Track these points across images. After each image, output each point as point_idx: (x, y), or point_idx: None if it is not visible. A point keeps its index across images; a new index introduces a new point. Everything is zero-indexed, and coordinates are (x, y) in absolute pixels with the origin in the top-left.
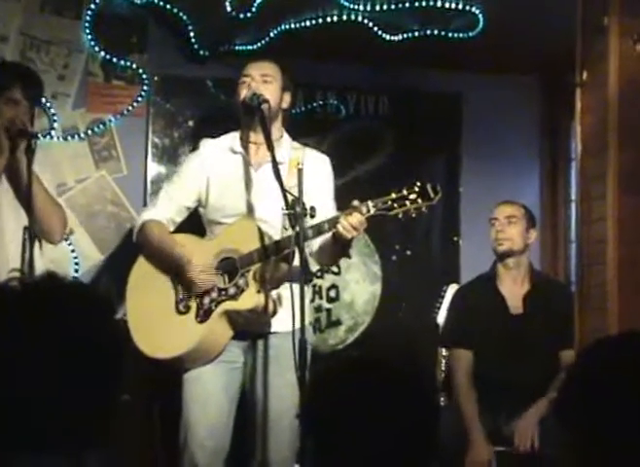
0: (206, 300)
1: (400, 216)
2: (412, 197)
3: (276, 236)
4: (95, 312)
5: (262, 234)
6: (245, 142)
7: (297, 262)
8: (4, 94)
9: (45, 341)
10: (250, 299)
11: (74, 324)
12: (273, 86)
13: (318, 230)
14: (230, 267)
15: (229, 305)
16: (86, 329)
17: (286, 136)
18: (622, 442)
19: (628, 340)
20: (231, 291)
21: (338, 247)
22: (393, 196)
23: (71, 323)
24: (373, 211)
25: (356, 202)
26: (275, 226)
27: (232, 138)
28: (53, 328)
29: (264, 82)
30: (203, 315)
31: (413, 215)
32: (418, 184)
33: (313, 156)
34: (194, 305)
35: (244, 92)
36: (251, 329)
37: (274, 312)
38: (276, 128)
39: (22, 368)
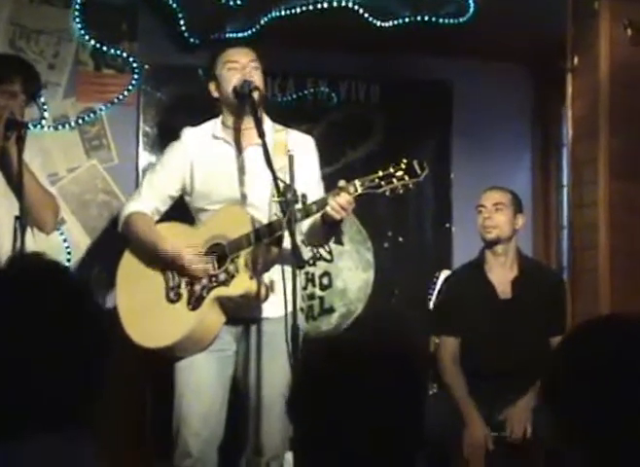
0: (197, 287)
1: (387, 193)
2: (399, 173)
3: (264, 221)
4: (69, 292)
5: (250, 219)
6: (227, 128)
7: (288, 245)
8: (2, 86)
9: (20, 319)
10: (241, 284)
11: (47, 303)
12: (260, 71)
13: (306, 212)
14: (219, 253)
15: (220, 291)
16: (58, 305)
17: (267, 119)
18: (605, 424)
19: (610, 323)
20: (222, 277)
21: (327, 228)
22: (380, 173)
23: (44, 303)
24: (360, 190)
25: (342, 182)
26: (262, 209)
27: (214, 124)
28: (30, 310)
29: (254, 68)
30: (195, 302)
31: (401, 191)
32: (405, 161)
33: (298, 137)
34: (185, 292)
35: (237, 78)
36: (243, 314)
37: (266, 297)
38: (246, 119)
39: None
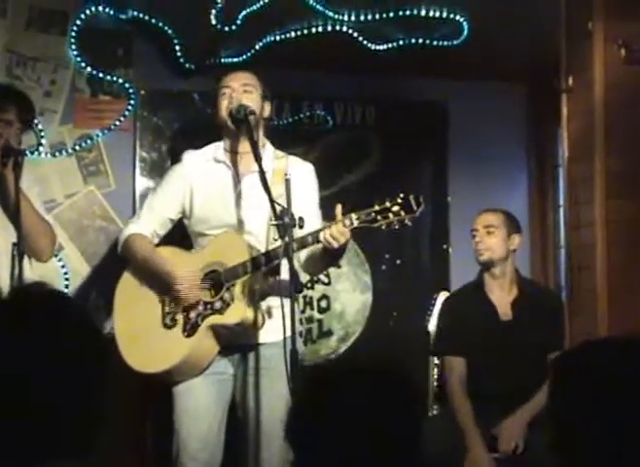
0: (192, 314)
1: (383, 227)
2: (395, 209)
3: (261, 248)
4: (72, 320)
5: (247, 247)
6: (229, 152)
7: (285, 273)
8: None
9: (17, 349)
10: (236, 313)
11: (50, 331)
12: (254, 95)
13: (302, 243)
14: (215, 280)
15: (215, 319)
16: (61, 335)
17: (268, 145)
18: (603, 440)
19: (609, 341)
20: (217, 305)
21: (328, 258)
22: (376, 208)
23: (47, 330)
24: (356, 223)
25: (339, 212)
26: (260, 237)
27: (215, 148)
28: (33, 338)
29: (244, 91)
30: (190, 329)
31: (397, 227)
32: (401, 196)
33: (297, 164)
34: (180, 318)
35: (225, 104)
36: (238, 342)
37: (262, 325)
38: (259, 138)
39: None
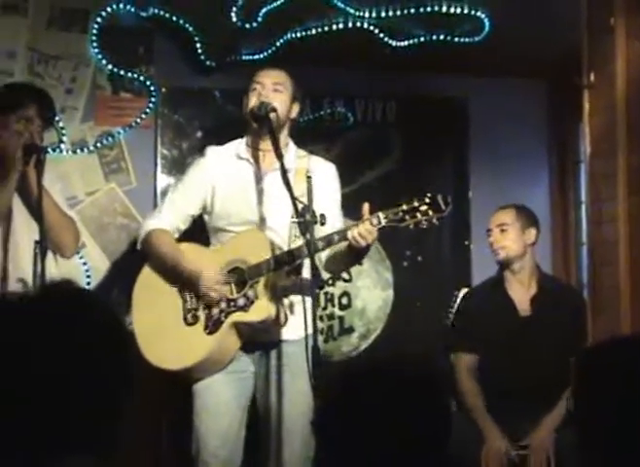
0: (215, 311)
1: (411, 227)
2: (423, 208)
3: (283, 245)
4: (100, 318)
5: (271, 245)
6: (252, 149)
7: (306, 271)
8: (18, 112)
9: (48, 347)
10: (260, 310)
11: (78, 330)
12: (284, 95)
13: (328, 241)
14: (238, 277)
15: (238, 316)
16: (90, 334)
17: (291, 145)
18: (628, 438)
19: (632, 340)
20: (241, 302)
21: (353, 257)
22: (404, 207)
23: (75, 329)
24: (384, 222)
25: (366, 210)
26: (282, 234)
27: (238, 144)
28: (64, 336)
29: (274, 90)
30: (212, 326)
31: (424, 226)
32: (429, 195)
33: (319, 163)
34: (202, 315)
35: (254, 100)
36: (260, 339)
37: (285, 322)
38: (282, 137)
39: (28, 373)
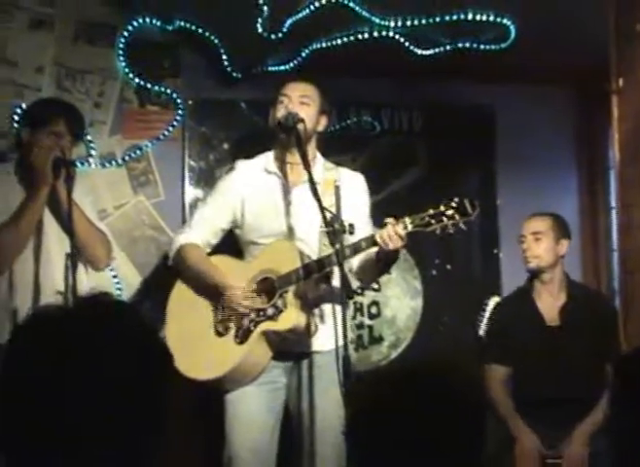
0: (245, 321)
1: (437, 232)
2: (450, 212)
3: (313, 256)
4: (138, 330)
5: (300, 255)
6: (280, 162)
7: (336, 280)
8: (48, 127)
9: (92, 361)
10: (288, 319)
11: (117, 341)
12: (311, 108)
13: (355, 248)
14: (268, 287)
15: (267, 325)
16: (134, 350)
17: (319, 157)
18: None
19: None
20: (270, 311)
21: (381, 264)
22: (430, 211)
23: (114, 341)
24: (410, 227)
25: (391, 219)
26: (312, 245)
27: (267, 158)
28: (102, 348)
29: (301, 103)
30: (242, 336)
31: (451, 231)
32: (456, 199)
33: (348, 175)
34: (232, 325)
35: (281, 112)
36: (290, 349)
37: (314, 332)
38: (310, 149)
39: (67, 386)
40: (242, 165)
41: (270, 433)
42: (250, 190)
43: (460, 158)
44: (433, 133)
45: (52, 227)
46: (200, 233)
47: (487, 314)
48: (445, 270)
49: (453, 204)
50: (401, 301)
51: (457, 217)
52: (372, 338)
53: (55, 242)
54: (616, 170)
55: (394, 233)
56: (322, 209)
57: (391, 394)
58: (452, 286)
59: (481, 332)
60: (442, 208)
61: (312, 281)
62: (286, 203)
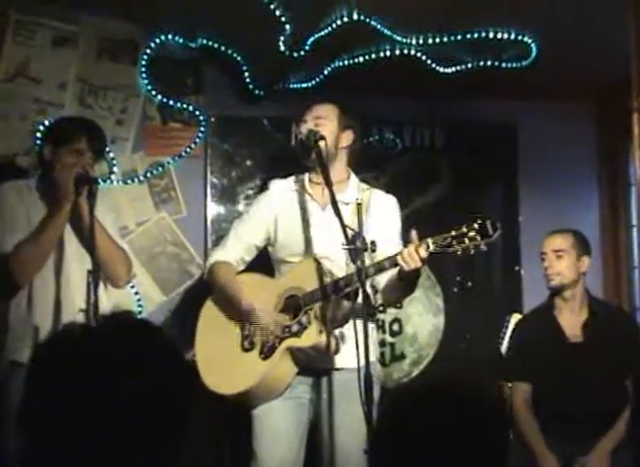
0: (270, 337)
1: (458, 253)
2: (472, 234)
3: (341, 274)
4: (168, 353)
5: (326, 273)
6: (312, 183)
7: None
8: (69, 145)
9: (115, 380)
10: (312, 336)
11: (147, 363)
12: (327, 127)
13: (378, 267)
14: (294, 304)
15: (291, 341)
16: (158, 369)
17: (353, 177)
18: None
19: None
20: (295, 328)
21: (404, 284)
22: (453, 233)
23: (144, 362)
24: (432, 248)
25: (415, 237)
26: (341, 264)
27: (299, 178)
28: (126, 367)
29: (315, 125)
30: (267, 352)
31: (472, 251)
32: (479, 221)
33: (380, 196)
34: (258, 341)
35: (302, 131)
36: (315, 366)
37: (337, 350)
38: (340, 169)
39: (92, 407)
40: (276, 184)
41: (297, 448)
42: (282, 209)
43: (482, 174)
44: (455, 150)
45: (72, 243)
46: (234, 250)
47: (509, 331)
48: (467, 288)
49: (475, 226)
50: (423, 318)
51: (479, 238)
52: (393, 355)
53: (76, 259)
54: (637, 187)
55: (415, 253)
56: (343, 226)
57: (413, 412)
58: (474, 303)
59: (503, 349)
60: (464, 229)
61: (336, 299)
62: (316, 223)
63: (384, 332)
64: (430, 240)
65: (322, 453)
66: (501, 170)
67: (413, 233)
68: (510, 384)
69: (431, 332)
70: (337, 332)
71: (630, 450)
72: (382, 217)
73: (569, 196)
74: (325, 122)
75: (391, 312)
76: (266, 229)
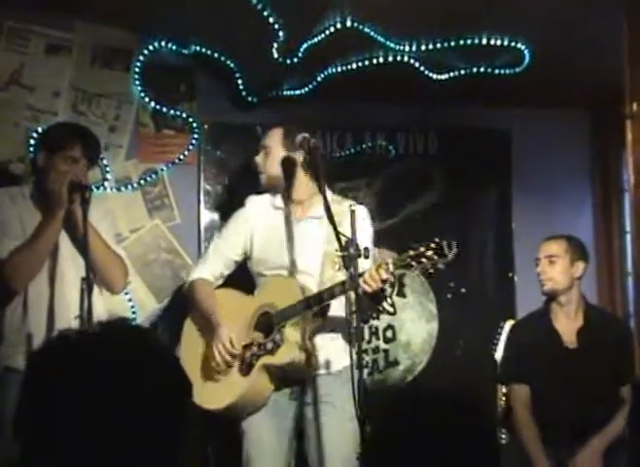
0: (248, 354)
1: (417, 272)
2: (429, 253)
3: (316, 288)
4: (164, 360)
5: (299, 289)
6: (287, 199)
7: (340, 309)
8: (63, 152)
9: (111, 387)
10: (286, 354)
11: (144, 370)
12: (268, 156)
13: (330, 293)
14: (267, 321)
15: (267, 359)
16: (154, 376)
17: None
18: None
19: None
20: (269, 346)
21: (368, 301)
22: (410, 253)
23: (141, 369)
24: (392, 269)
25: (377, 257)
26: (315, 277)
27: (274, 195)
28: (122, 374)
29: (265, 154)
30: (246, 369)
31: (430, 271)
32: (436, 240)
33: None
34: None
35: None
36: (293, 380)
37: (312, 365)
38: (301, 187)
39: (88, 414)
40: (252, 200)
41: (285, 461)
42: (258, 224)
43: (476, 181)
44: (448, 157)
45: (67, 250)
46: (214, 265)
47: (503, 337)
48: (460, 294)
49: (432, 245)
50: (416, 324)
51: (435, 258)
52: (387, 362)
53: (70, 266)
54: (630, 194)
55: (376, 274)
56: (337, 234)
57: (406, 418)
58: (468, 309)
59: (497, 355)
60: (421, 249)
61: (309, 315)
62: (290, 237)
63: (378, 338)
64: (390, 261)
65: (313, 458)
66: (495, 177)
67: (376, 254)
68: (504, 389)
69: (424, 339)
70: (315, 343)
71: (624, 454)
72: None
73: (563, 202)
74: (270, 150)
75: (384, 319)
76: (244, 244)
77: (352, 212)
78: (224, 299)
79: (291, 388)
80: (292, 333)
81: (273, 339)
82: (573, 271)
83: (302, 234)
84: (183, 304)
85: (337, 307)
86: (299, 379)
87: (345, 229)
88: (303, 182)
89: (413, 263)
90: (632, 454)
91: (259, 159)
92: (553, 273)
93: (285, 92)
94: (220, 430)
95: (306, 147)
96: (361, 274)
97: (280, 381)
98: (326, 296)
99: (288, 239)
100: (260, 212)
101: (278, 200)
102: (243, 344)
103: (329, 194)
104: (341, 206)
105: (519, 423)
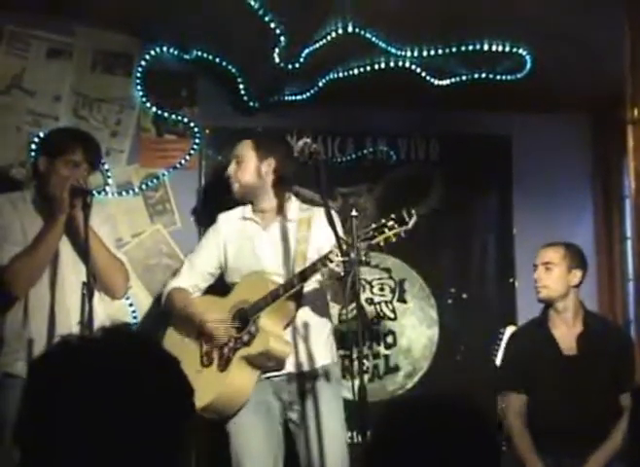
0: (225, 350)
1: (381, 243)
2: (390, 223)
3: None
4: (166, 366)
5: (268, 282)
6: (255, 209)
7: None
8: (65, 156)
9: (113, 393)
10: (260, 342)
11: (145, 376)
12: (243, 165)
13: (311, 269)
14: (242, 317)
15: (244, 351)
16: (156, 382)
17: (293, 199)
18: None
19: None
20: (245, 338)
21: (341, 285)
22: (373, 225)
23: (142, 375)
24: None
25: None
26: (285, 275)
27: (244, 208)
28: (124, 380)
29: (237, 163)
30: (224, 364)
31: (393, 240)
32: (395, 211)
33: (321, 212)
34: (215, 356)
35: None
36: (274, 369)
37: (287, 353)
38: (271, 197)
39: (90, 420)
40: (223, 216)
41: (274, 461)
42: (230, 236)
43: (477, 187)
44: (449, 163)
45: (68, 255)
46: (189, 277)
47: (503, 344)
48: (461, 299)
49: (392, 216)
50: (417, 330)
51: (397, 226)
52: (387, 367)
53: (71, 271)
54: (631, 199)
55: (335, 258)
56: (338, 240)
57: (406, 424)
58: (468, 315)
59: (498, 361)
60: (382, 221)
61: (280, 302)
62: (260, 243)
63: (378, 344)
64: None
65: (304, 457)
66: (495, 182)
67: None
68: (501, 396)
69: (425, 344)
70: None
71: (624, 464)
72: (323, 230)
73: (563, 207)
74: (242, 159)
75: (385, 324)
76: (218, 257)
77: (353, 218)
78: (201, 303)
79: (274, 383)
80: (266, 322)
81: (249, 330)
82: (569, 279)
83: (271, 238)
84: None
85: (320, 303)
86: (283, 374)
87: (315, 231)
88: (273, 190)
89: (376, 234)
90: (632, 464)
91: (231, 168)
92: (549, 281)
93: (286, 97)
94: (201, 432)
95: (307, 152)
96: (326, 256)
97: (264, 374)
98: (297, 280)
99: (258, 245)
100: (231, 224)
101: (248, 211)
102: (222, 343)
103: (297, 203)
104: (312, 212)
105: (512, 429)
